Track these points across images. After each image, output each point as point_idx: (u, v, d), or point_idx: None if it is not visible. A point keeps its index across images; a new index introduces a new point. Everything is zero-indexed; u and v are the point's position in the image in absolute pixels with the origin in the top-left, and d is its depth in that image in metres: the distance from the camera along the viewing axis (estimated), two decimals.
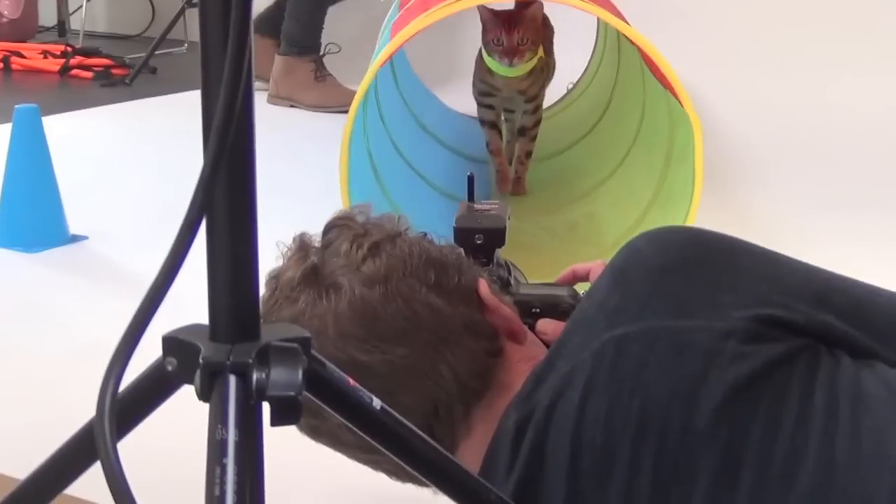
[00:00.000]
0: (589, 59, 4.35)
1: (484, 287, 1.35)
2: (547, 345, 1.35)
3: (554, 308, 1.46)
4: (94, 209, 3.20)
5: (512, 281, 1.53)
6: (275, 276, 1.32)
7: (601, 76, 4.12)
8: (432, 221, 1.67)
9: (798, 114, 4.07)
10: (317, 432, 1.32)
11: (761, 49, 4.39)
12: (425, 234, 1.39)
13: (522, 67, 3.19)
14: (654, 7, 4.16)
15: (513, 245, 1.61)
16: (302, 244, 1.34)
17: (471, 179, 1.69)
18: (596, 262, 1.48)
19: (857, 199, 3.36)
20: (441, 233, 1.45)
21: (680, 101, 2.50)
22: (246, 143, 0.94)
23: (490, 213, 1.60)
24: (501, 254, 1.58)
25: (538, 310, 1.46)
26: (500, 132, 3.40)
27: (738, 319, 1.18)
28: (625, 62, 3.55)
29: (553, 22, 3.41)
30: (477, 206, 1.63)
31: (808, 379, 1.17)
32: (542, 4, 3.13)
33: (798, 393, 1.16)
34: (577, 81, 4.29)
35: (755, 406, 1.15)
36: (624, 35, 2.99)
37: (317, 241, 1.35)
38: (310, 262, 1.31)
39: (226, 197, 0.95)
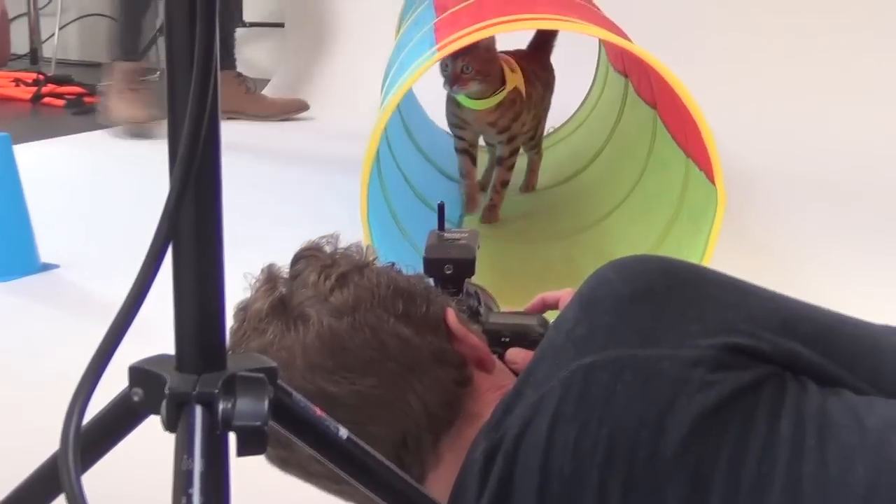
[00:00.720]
0: (589, 89, 4.37)
1: (452, 316, 1.35)
2: (516, 374, 1.35)
3: (523, 337, 1.47)
4: (65, 238, 3.19)
5: (482, 310, 1.53)
6: (243, 308, 1.32)
7: (603, 109, 4.09)
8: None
9: (823, 150, 4.10)
10: (286, 463, 1.32)
11: (783, 83, 4.43)
12: (393, 265, 1.39)
13: (489, 101, 3.21)
14: (668, 38, 4.17)
15: (487, 269, 1.61)
16: (270, 275, 1.34)
17: (441, 208, 1.70)
18: (565, 291, 1.49)
19: (879, 239, 3.37)
20: None
21: (709, 174, 2.41)
22: (212, 172, 0.95)
23: (460, 243, 1.60)
24: (472, 281, 1.59)
25: (507, 339, 1.47)
26: (472, 157, 3.41)
27: (705, 348, 1.19)
28: (632, 105, 3.54)
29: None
30: (447, 234, 1.64)
31: (775, 406, 1.17)
32: (493, 37, 3.14)
33: (765, 420, 1.16)
34: (572, 116, 4.30)
35: (722, 434, 1.15)
36: (636, 91, 2.94)
37: (285, 272, 1.35)
38: (278, 294, 1.31)
39: (192, 227, 0.95)
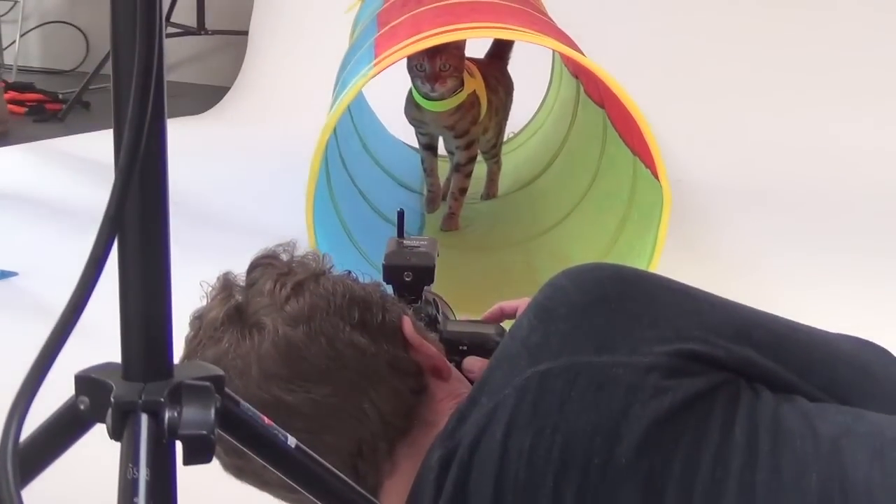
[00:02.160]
0: (545, 94, 4.38)
1: (408, 325, 1.35)
2: (472, 382, 1.35)
3: (481, 346, 1.47)
4: (24, 245, 3.17)
5: (440, 318, 1.53)
6: (199, 317, 1.32)
7: (557, 113, 4.12)
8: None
9: (765, 155, 4.14)
10: (241, 472, 1.32)
11: (726, 87, 4.46)
12: (349, 273, 1.39)
13: (448, 102, 3.22)
14: (611, 43, 4.20)
15: (445, 278, 1.61)
16: (226, 283, 1.34)
17: (400, 215, 1.70)
18: (522, 300, 1.49)
19: (821, 241, 3.42)
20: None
21: (654, 171, 2.45)
22: (158, 178, 0.94)
23: (419, 251, 1.61)
24: (431, 289, 1.59)
25: (465, 347, 1.47)
26: (435, 153, 3.42)
27: (659, 354, 1.19)
28: (584, 106, 3.55)
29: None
30: (406, 242, 1.64)
31: (729, 413, 1.18)
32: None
33: (718, 427, 1.17)
34: (529, 122, 4.31)
35: (676, 441, 1.16)
36: (587, 93, 2.98)
37: (241, 280, 1.35)
38: (233, 302, 1.30)
39: (138, 235, 0.95)
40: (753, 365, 1.24)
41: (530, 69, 3.85)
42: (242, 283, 1.34)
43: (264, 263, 1.35)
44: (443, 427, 1.27)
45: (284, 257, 1.37)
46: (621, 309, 1.24)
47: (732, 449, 1.15)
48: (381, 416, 1.29)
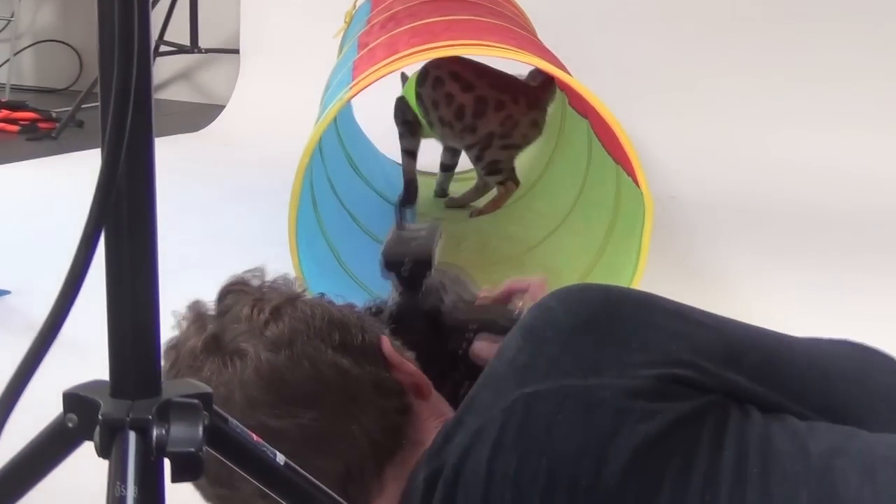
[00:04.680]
0: None
1: (386, 344, 1.35)
2: (478, 370, 1.34)
3: (488, 328, 1.47)
4: (17, 263, 3.17)
5: (446, 303, 1.52)
6: (174, 346, 1.31)
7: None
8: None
9: (758, 172, 4.15)
10: (226, 501, 1.30)
11: (719, 104, 4.47)
12: (323, 295, 1.39)
13: None
14: (601, 60, 4.20)
15: None
16: (197, 314, 1.33)
17: (399, 204, 1.68)
18: (532, 279, 1.49)
19: (815, 258, 3.43)
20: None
21: (635, 180, 2.45)
22: (146, 195, 0.94)
23: (418, 240, 1.59)
24: (450, 262, 1.57)
25: (474, 329, 1.46)
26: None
27: (648, 378, 1.19)
28: (569, 117, 3.56)
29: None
30: (405, 232, 1.62)
31: (718, 435, 1.17)
32: None
33: (708, 450, 1.16)
34: None
35: (665, 464, 1.15)
36: (572, 105, 2.98)
37: (212, 308, 1.34)
38: (210, 331, 1.29)
39: (127, 252, 0.95)
40: (742, 391, 1.23)
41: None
42: (214, 312, 1.33)
43: (236, 290, 1.35)
44: (429, 446, 1.27)
45: (255, 283, 1.37)
46: (609, 332, 1.24)
47: (722, 471, 1.15)
48: (368, 437, 1.28)
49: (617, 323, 1.25)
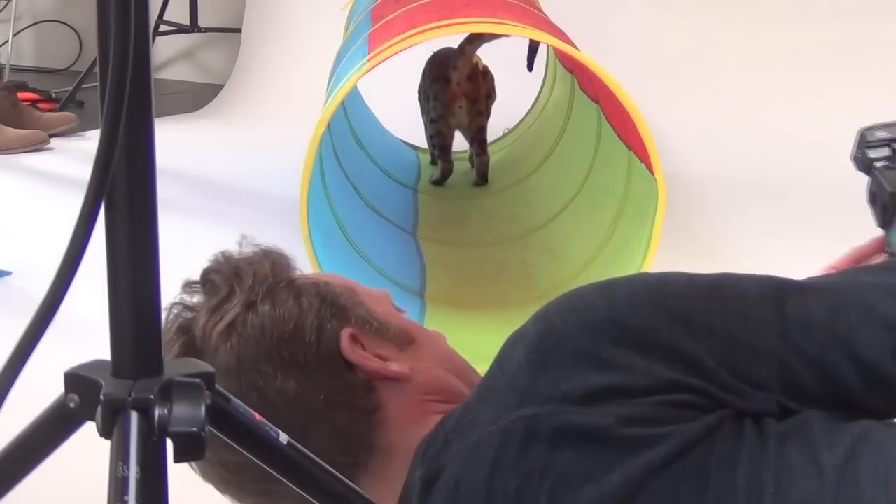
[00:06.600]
0: (539, 90, 4.38)
1: (345, 343, 1.32)
2: None
3: None
4: (18, 244, 3.17)
5: None
6: None
7: (552, 109, 4.12)
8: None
9: (762, 148, 4.14)
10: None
11: (722, 80, 4.46)
12: (294, 278, 1.37)
13: None
14: (606, 37, 4.19)
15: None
16: (179, 327, 1.33)
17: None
18: (871, 242, 1.51)
19: (820, 233, 3.37)
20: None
21: (648, 165, 2.43)
22: (147, 174, 0.94)
23: None
24: None
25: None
26: None
27: (654, 404, 1.15)
28: (579, 102, 3.56)
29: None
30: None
31: (729, 456, 1.13)
32: None
33: (718, 473, 1.12)
34: (524, 118, 4.31)
35: (673, 489, 1.12)
36: (582, 88, 2.97)
37: (186, 311, 1.34)
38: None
39: (127, 231, 0.94)
40: (750, 411, 1.19)
41: (525, 65, 3.84)
42: (184, 318, 1.33)
43: (210, 280, 1.35)
44: (424, 437, 1.24)
45: (228, 267, 1.36)
46: (613, 357, 1.18)
47: (735, 493, 1.11)
48: (328, 457, 1.17)
49: (621, 348, 1.18)
